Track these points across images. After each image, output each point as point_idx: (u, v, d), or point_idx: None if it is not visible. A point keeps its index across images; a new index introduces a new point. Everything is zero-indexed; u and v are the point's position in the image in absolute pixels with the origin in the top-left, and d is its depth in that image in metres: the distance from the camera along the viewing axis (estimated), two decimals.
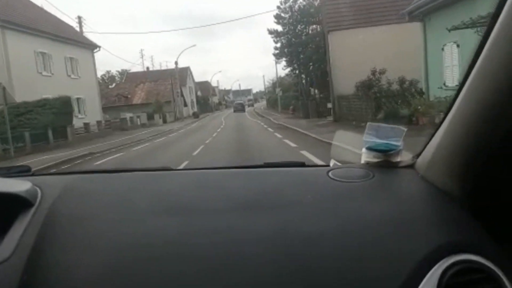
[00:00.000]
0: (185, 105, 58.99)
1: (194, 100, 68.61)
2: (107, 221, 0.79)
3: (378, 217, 0.76)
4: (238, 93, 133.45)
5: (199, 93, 78.37)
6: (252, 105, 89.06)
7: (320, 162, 6.47)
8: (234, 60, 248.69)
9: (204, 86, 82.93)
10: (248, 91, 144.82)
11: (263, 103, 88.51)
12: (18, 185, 0.82)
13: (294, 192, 0.87)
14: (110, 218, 0.80)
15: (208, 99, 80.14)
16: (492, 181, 0.71)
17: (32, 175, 1.07)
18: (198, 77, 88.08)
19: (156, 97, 52.12)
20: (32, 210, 0.79)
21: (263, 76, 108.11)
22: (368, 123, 0.96)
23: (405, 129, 0.94)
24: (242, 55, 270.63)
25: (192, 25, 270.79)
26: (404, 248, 0.69)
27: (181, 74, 64.17)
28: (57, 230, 0.76)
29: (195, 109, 66.31)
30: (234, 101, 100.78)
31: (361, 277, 0.66)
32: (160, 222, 0.78)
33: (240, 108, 61.59)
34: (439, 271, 0.65)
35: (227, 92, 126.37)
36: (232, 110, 64.26)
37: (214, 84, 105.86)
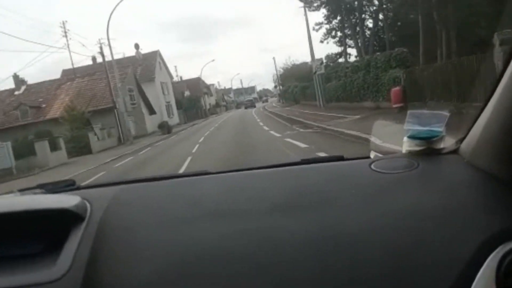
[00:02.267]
0: (152, 112, 35.88)
1: (172, 102, 45.45)
2: (153, 229, 0.80)
3: (427, 207, 0.74)
4: (241, 91, 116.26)
5: (187, 93, 55.86)
6: (267, 101, 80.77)
7: None
8: (232, 60, 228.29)
9: (194, 84, 60.37)
10: (252, 89, 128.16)
11: (273, 100, 79.24)
12: (67, 200, 0.84)
13: (335, 188, 0.85)
14: (156, 226, 0.81)
15: (199, 101, 57.25)
16: None
17: (78, 188, 1.09)
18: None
19: (89, 102, 28.96)
20: (84, 223, 0.80)
21: (275, 63, 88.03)
22: (409, 111, 0.92)
23: (448, 114, 0.90)
24: (240, 54, 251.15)
25: (187, 31, 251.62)
26: (458, 237, 0.67)
27: (146, 63, 40.62)
28: (109, 242, 0.78)
29: (173, 116, 43.14)
30: (235, 101, 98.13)
31: (417, 270, 0.65)
32: (202, 227, 0.79)
33: (250, 105, 65.04)
34: (497, 258, 0.63)
35: (227, 91, 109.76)
36: (232, 112, 59.46)
37: (210, 81, 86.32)
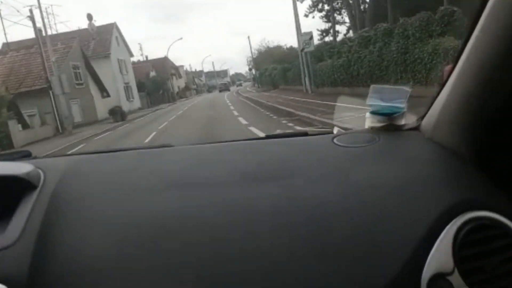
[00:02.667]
0: (105, 94, 30.47)
1: (133, 84, 39.88)
2: (111, 200, 0.79)
3: (387, 180, 0.75)
4: (213, 74, 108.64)
5: (152, 74, 50.26)
6: (241, 85, 77.19)
7: None
8: (204, 42, 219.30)
9: (160, 64, 54.69)
10: (224, 72, 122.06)
11: (246, 84, 75.66)
12: (20, 168, 0.82)
13: (299, 161, 0.86)
14: (114, 196, 0.80)
15: (166, 83, 51.73)
16: (500, 135, 0.69)
17: (34, 158, 1.06)
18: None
19: (22, 81, 23.78)
20: (36, 192, 0.79)
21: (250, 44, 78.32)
22: (371, 86, 0.94)
23: (410, 90, 0.92)
24: (212, 37, 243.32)
25: (159, 13, 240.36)
26: (416, 209, 0.69)
27: (100, 37, 34.86)
28: (62, 212, 0.76)
29: (133, 100, 37.91)
30: (207, 84, 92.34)
31: (378, 238, 0.66)
32: (163, 198, 0.78)
33: (224, 88, 62.87)
34: (453, 230, 0.64)
35: (197, 74, 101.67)
36: (202, 97, 55.89)
37: (180, 64, 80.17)
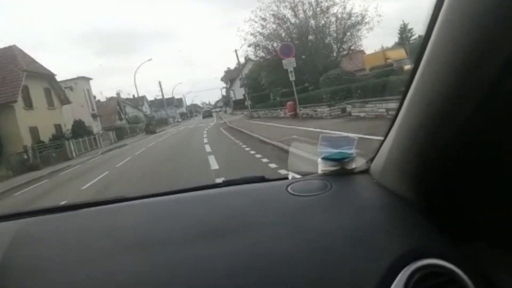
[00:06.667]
0: None
1: None
2: (62, 267, 0.76)
3: (339, 230, 0.77)
4: (160, 103, 75.31)
5: None
6: (210, 115, 64.44)
7: None
8: (154, 74, 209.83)
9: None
10: (179, 101, 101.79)
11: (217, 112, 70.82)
12: None
13: (255, 213, 0.87)
14: (65, 262, 0.77)
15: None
16: (445, 181, 0.70)
17: None
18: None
19: None
20: None
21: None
22: (320, 135, 0.96)
23: (357, 137, 0.95)
24: (164, 69, 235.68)
25: (107, 44, 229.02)
26: (367, 260, 0.70)
27: None
28: (14, 283, 0.72)
29: None
30: (149, 117, 64.45)
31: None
32: (118, 261, 0.75)
33: (207, 115, 63.66)
34: (404, 278, 0.65)
35: (133, 101, 67.43)
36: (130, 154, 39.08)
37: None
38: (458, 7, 0.50)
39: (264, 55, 26.09)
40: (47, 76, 28.91)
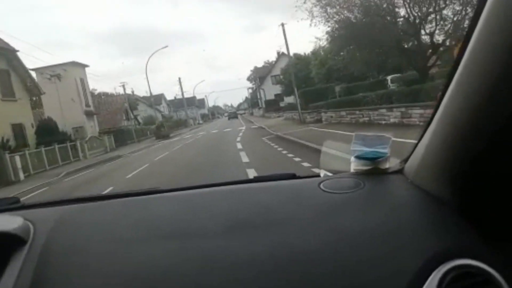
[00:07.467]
0: None
1: None
2: (100, 253, 0.79)
3: (372, 228, 0.76)
4: (178, 103, 73.10)
5: None
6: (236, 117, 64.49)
7: None
8: (176, 75, 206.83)
9: None
10: (201, 102, 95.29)
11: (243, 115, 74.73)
12: (9, 222, 0.81)
13: (287, 208, 0.87)
14: (103, 249, 0.80)
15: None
16: (481, 181, 0.69)
17: (22, 207, 1.05)
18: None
19: None
20: (26, 247, 0.78)
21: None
22: (354, 133, 0.96)
23: (391, 137, 0.94)
24: (187, 71, 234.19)
25: (131, 43, 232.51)
26: (400, 258, 0.70)
27: None
28: (52, 267, 0.75)
29: None
30: (167, 117, 60.42)
31: (363, 286, 0.67)
32: (152, 249, 0.77)
33: (233, 116, 64.25)
34: (437, 278, 0.65)
35: (156, 98, 56.45)
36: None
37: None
38: (497, 14, 0.51)
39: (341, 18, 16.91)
40: (5, 52, 19.74)
